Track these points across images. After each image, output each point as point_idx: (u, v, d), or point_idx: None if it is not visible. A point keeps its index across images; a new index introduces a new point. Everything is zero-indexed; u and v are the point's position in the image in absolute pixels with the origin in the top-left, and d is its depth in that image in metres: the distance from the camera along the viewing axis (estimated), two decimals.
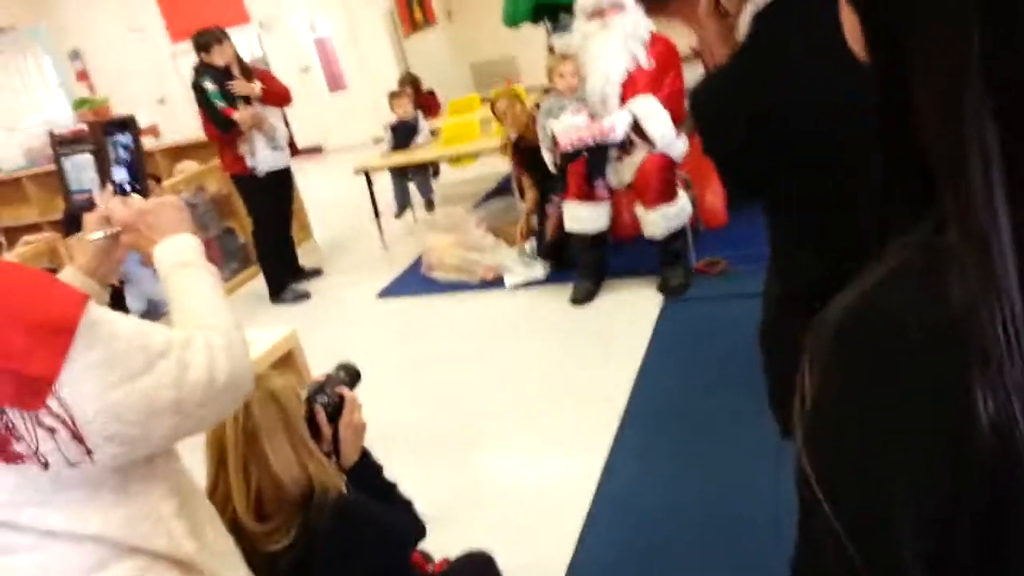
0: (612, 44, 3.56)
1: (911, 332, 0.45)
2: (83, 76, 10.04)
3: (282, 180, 4.92)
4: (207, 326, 1.04)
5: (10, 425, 0.87)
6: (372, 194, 5.47)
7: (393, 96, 5.57)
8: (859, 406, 0.48)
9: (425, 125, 5.55)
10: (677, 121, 3.65)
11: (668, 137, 3.59)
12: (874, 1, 0.50)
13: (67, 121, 7.45)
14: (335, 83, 9.38)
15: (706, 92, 1.32)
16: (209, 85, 4.54)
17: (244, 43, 9.11)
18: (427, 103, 6.35)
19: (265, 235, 4.95)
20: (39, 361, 0.86)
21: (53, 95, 9.47)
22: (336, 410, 1.59)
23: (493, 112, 4.41)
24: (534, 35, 6.83)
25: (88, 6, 9.61)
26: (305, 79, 9.23)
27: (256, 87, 4.61)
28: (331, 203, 7.03)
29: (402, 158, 5.43)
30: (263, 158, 4.69)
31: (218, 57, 4.56)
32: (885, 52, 0.50)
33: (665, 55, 3.63)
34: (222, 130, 4.61)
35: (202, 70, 4.59)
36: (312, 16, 9.03)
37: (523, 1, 4.84)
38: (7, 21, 9.35)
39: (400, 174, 5.71)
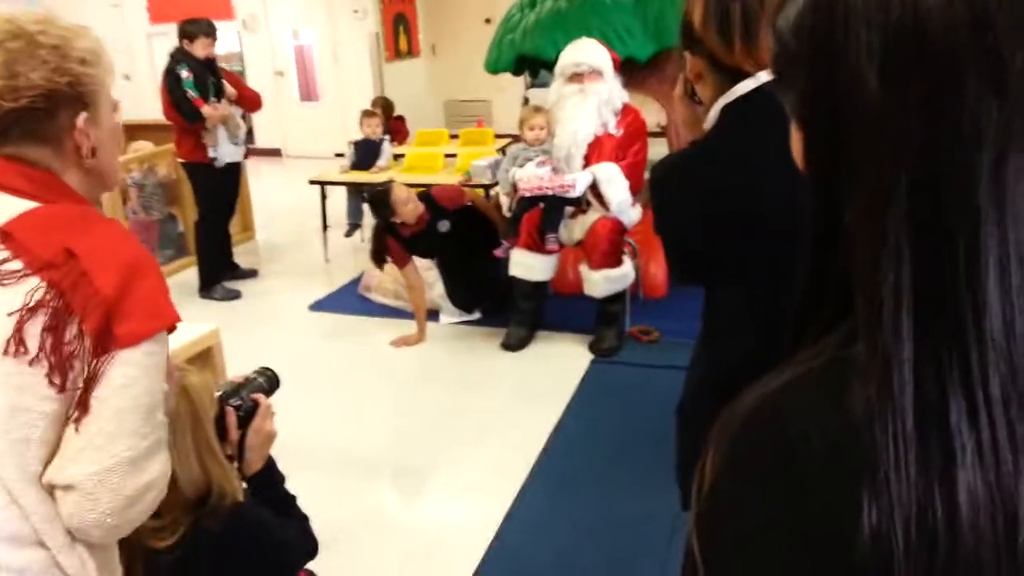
0: (586, 108, 3.69)
1: (809, 438, 0.47)
2: None
3: (234, 174, 4.94)
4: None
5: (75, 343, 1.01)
6: (324, 206, 5.43)
7: (365, 114, 5.59)
8: (750, 502, 0.50)
9: (388, 148, 5.56)
10: (635, 190, 3.77)
11: (624, 204, 3.71)
12: (815, 125, 0.52)
13: None
14: (307, 92, 9.35)
15: (664, 171, 1.35)
16: (184, 73, 4.54)
17: (223, 39, 9.05)
18: (396, 128, 6.38)
19: (208, 227, 4.89)
20: (125, 326, 1.02)
21: None
22: (248, 415, 1.56)
23: (380, 206, 3.95)
24: (511, 84, 6.98)
25: None
26: (279, 82, 9.18)
27: (233, 91, 4.71)
28: (280, 207, 6.94)
29: (360, 176, 5.42)
30: (224, 151, 4.73)
31: (200, 49, 4.60)
32: (820, 169, 0.53)
33: (634, 126, 3.77)
34: (188, 119, 4.60)
35: (180, 57, 4.60)
36: (296, 23, 9.02)
37: (507, 51, 4.93)
38: None
39: (356, 192, 5.69)
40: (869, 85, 0.46)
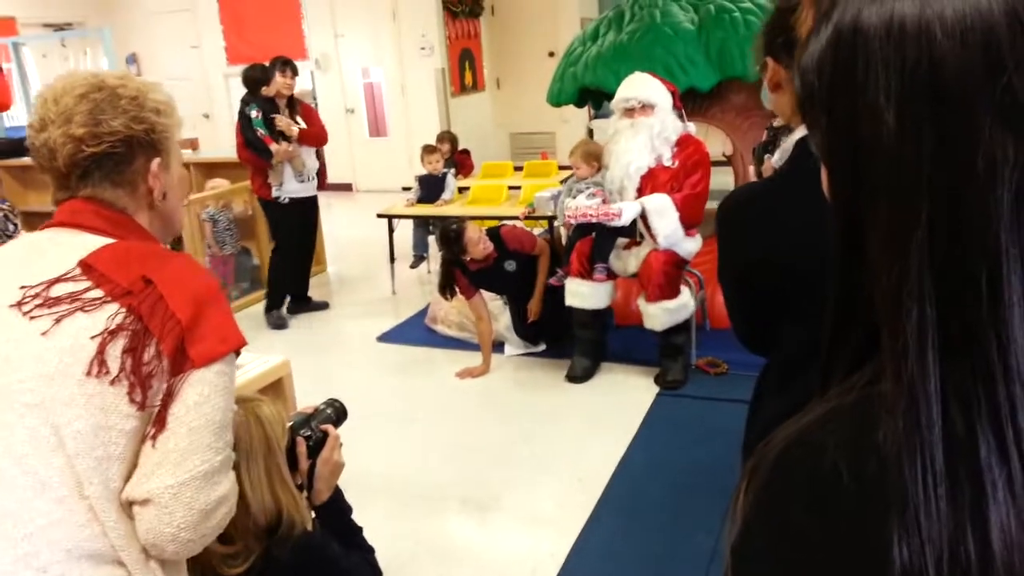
0: (638, 141, 3.70)
1: (840, 474, 0.47)
2: None
3: (307, 208, 5.10)
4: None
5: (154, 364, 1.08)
6: (391, 239, 5.54)
7: (426, 150, 5.71)
8: (782, 536, 0.50)
9: (453, 182, 5.66)
10: (692, 222, 3.73)
11: (673, 237, 3.68)
12: (837, 162, 0.53)
13: None
14: (376, 128, 9.61)
15: (733, 204, 1.31)
16: (253, 112, 4.74)
17: (298, 78, 9.41)
18: (461, 161, 6.48)
19: (278, 257, 5.08)
20: (198, 348, 1.09)
21: None
22: (318, 445, 1.59)
23: (453, 244, 4.01)
24: (575, 115, 7.02)
25: (156, 15, 9.97)
26: (349, 119, 9.46)
27: (295, 129, 4.84)
28: (351, 241, 7.12)
29: (426, 210, 5.52)
30: (288, 188, 4.92)
31: (264, 91, 4.80)
32: (844, 206, 0.53)
33: (693, 158, 3.73)
34: (258, 156, 4.76)
35: (249, 98, 4.84)
36: (366, 61, 9.31)
37: (569, 83, 4.98)
38: (76, 17, 9.70)
39: (422, 225, 5.80)
40: (887, 125, 0.46)
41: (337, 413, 1.68)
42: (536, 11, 9.28)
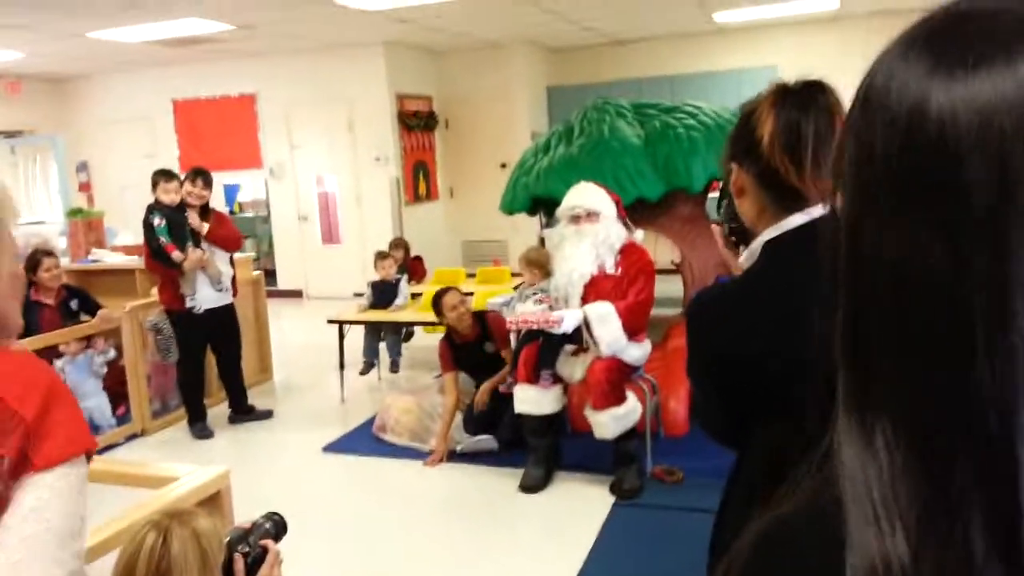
0: (582, 248, 3.76)
1: (810, 562, 0.46)
2: (86, 187, 10.27)
3: (223, 318, 4.96)
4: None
5: None
6: (341, 346, 5.45)
7: (379, 256, 5.72)
8: None
9: (406, 288, 5.65)
10: (635, 330, 3.73)
11: (616, 345, 3.66)
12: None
13: (58, 227, 7.52)
14: (329, 236, 9.64)
15: (700, 306, 1.30)
16: (156, 220, 4.68)
17: (252, 185, 9.47)
18: (413, 267, 6.50)
19: (188, 371, 4.98)
20: (41, 450, 0.99)
21: (52, 200, 9.61)
22: (256, 562, 1.50)
23: (435, 305, 4.41)
24: (526, 223, 7.16)
25: (111, 123, 10.02)
26: (302, 226, 9.48)
27: (204, 226, 4.77)
28: (299, 348, 6.98)
29: (377, 315, 5.47)
30: (203, 297, 4.82)
31: (163, 194, 4.72)
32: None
33: (636, 266, 3.77)
34: (162, 263, 4.71)
35: (153, 206, 4.76)
36: (321, 170, 9.44)
37: (521, 193, 5.10)
38: (29, 125, 9.69)
39: (373, 331, 5.73)
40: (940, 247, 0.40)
41: (276, 527, 1.59)
42: (489, 125, 9.61)
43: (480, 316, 4.46)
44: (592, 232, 3.75)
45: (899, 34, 0.43)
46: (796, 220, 1.18)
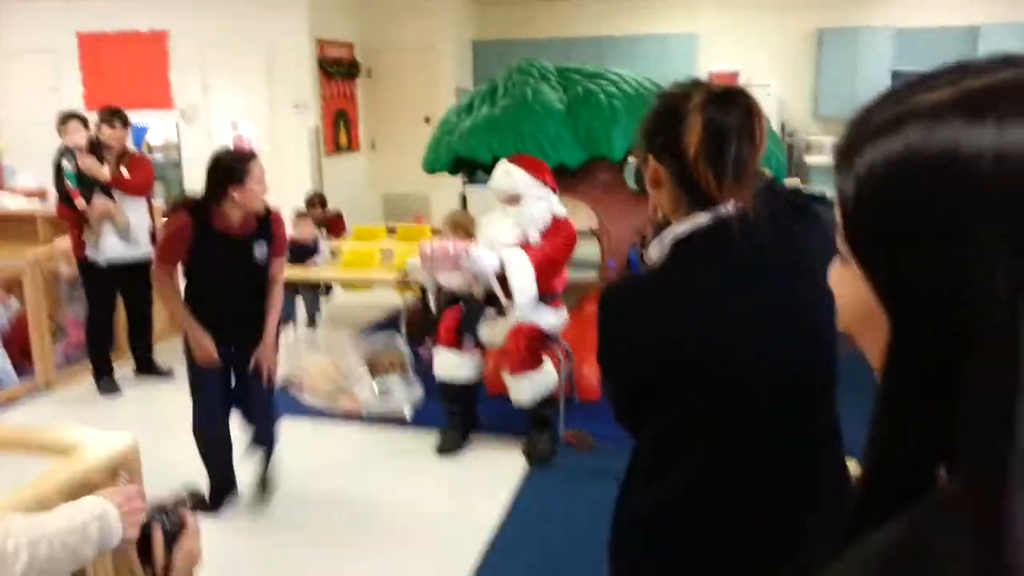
0: (507, 221, 3.77)
1: None
2: None
3: (135, 274, 4.69)
4: None
5: None
6: None
7: (297, 215, 5.61)
8: None
9: (325, 246, 5.56)
10: (544, 285, 3.70)
11: (527, 291, 3.60)
12: (920, 308, 0.48)
13: None
14: None
15: (611, 297, 1.35)
16: (66, 164, 4.47)
17: (162, 127, 9.03)
18: (333, 224, 6.39)
19: (94, 327, 4.77)
20: None
21: None
22: (175, 535, 1.49)
23: (229, 168, 3.16)
24: (450, 180, 7.11)
25: (11, 55, 9.35)
26: None
27: (104, 170, 4.49)
28: None
29: (295, 273, 5.38)
30: (108, 246, 4.57)
31: (69, 137, 4.51)
32: (918, 349, 0.49)
33: (554, 232, 3.76)
34: (68, 209, 4.50)
35: (64, 149, 4.54)
36: (236, 115, 9.09)
37: (444, 152, 5.06)
38: None
39: (289, 288, 5.64)
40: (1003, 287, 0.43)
41: (195, 502, 1.59)
42: (412, 77, 9.42)
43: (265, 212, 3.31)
44: (515, 213, 3.76)
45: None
46: (703, 218, 1.25)
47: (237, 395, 3.46)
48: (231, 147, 3.29)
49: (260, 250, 3.31)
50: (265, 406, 3.50)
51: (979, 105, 0.44)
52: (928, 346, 0.48)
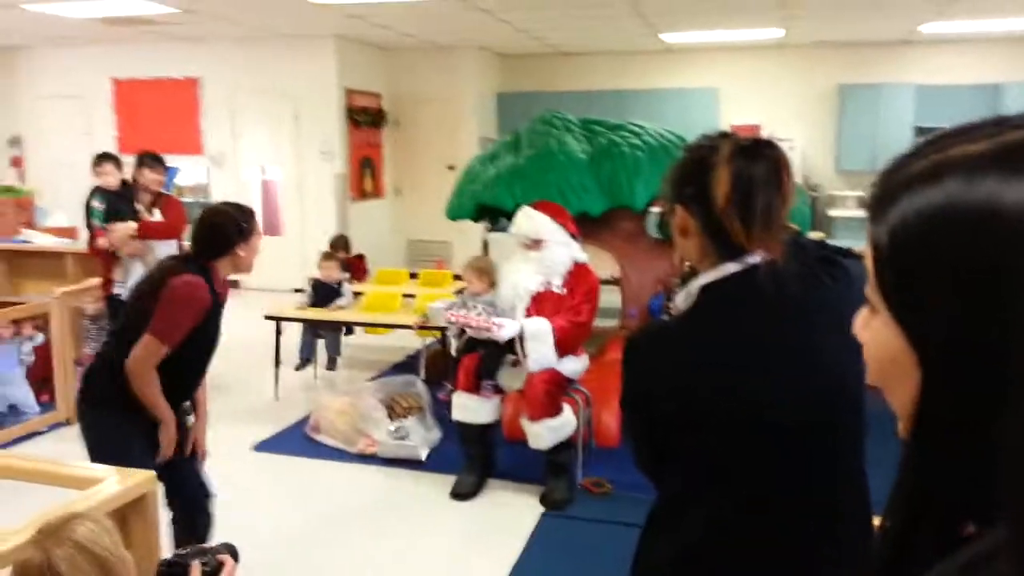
0: (529, 267, 3.82)
1: None
2: (17, 162, 9.89)
3: None
4: None
5: None
6: (278, 342, 5.39)
7: (324, 257, 5.68)
8: None
9: (349, 289, 5.62)
10: (568, 350, 3.78)
11: (543, 361, 3.70)
12: (964, 354, 0.48)
13: None
14: (271, 227, 9.47)
15: (638, 344, 1.35)
16: (96, 204, 4.57)
17: (192, 169, 9.25)
18: (356, 266, 6.46)
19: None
20: None
21: None
22: (214, 573, 1.55)
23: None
24: (472, 226, 7.19)
25: (47, 99, 9.65)
26: None
27: (130, 226, 4.60)
28: (234, 341, 6.83)
29: (317, 314, 5.43)
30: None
31: (102, 177, 4.64)
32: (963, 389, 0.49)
33: (582, 287, 3.81)
34: (96, 245, 4.62)
35: (95, 189, 4.67)
36: (264, 161, 9.28)
37: (467, 200, 5.13)
38: None
39: (311, 328, 5.69)
40: None
41: (231, 553, 1.63)
42: (437, 126, 9.60)
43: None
44: (537, 259, 3.81)
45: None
46: (731, 267, 1.26)
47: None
48: (227, 200, 3.01)
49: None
50: (199, 484, 2.88)
51: (1019, 158, 0.45)
52: (961, 396, 0.48)
